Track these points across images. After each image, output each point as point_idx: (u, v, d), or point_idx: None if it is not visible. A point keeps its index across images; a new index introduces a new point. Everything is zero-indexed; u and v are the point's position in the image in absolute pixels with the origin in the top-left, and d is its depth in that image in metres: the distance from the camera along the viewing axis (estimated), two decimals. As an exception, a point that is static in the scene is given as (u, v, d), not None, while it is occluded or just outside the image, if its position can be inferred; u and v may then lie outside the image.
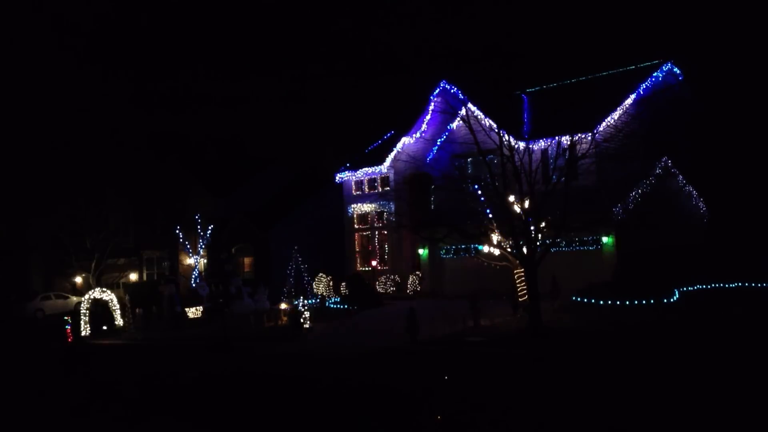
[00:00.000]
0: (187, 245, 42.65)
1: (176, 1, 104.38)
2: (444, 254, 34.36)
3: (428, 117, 35.81)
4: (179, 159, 47.56)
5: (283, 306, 30.01)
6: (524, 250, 21.95)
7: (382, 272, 37.54)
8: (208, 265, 43.70)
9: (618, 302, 25.11)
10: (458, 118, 30.06)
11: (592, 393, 13.51)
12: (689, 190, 31.31)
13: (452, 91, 32.84)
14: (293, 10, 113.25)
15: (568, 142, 25.41)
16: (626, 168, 28.44)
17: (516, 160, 22.65)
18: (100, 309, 32.27)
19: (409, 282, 35.12)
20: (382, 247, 38.69)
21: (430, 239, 30.94)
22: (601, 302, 25.44)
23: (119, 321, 32.01)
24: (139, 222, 47.35)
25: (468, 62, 30.63)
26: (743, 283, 28.11)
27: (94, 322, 31.27)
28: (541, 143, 29.65)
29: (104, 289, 33.51)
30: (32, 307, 41.16)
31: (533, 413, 12.38)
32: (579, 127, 26.26)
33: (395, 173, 37.72)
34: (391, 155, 37.66)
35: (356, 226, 39.90)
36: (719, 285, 28.36)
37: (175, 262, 44.87)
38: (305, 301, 33.29)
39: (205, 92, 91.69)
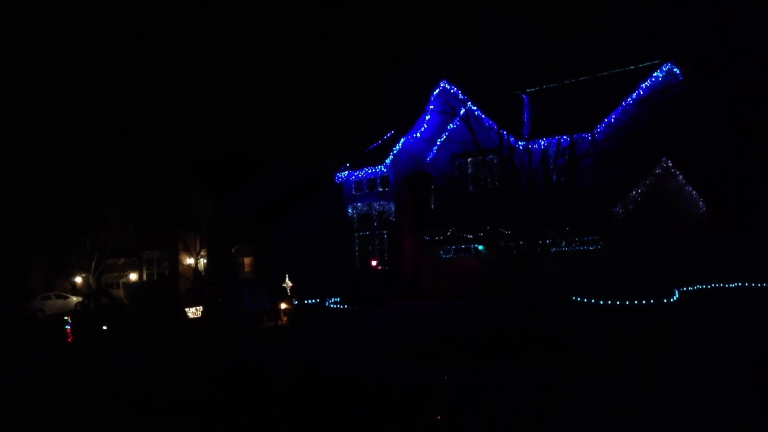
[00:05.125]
0: (187, 245, 42.62)
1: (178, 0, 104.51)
2: (444, 254, 34.38)
3: (428, 117, 35.82)
4: (179, 159, 47.56)
5: (283, 306, 30.03)
6: (524, 249, 21.98)
7: (381, 272, 37.53)
8: (208, 265, 43.71)
9: (618, 302, 25.14)
10: (458, 118, 30.08)
11: (591, 391, 13.52)
12: (689, 190, 31.34)
13: (452, 91, 32.87)
14: (293, 9, 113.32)
15: (568, 142, 25.43)
16: (626, 168, 28.48)
17: (516, 160, 22.68)
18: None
19: (409, 282, 35.09)
20: (381, 247, 38.70)
21: (430, 239, 30.99)
22: (601, 302, 25.47)
23: None
24: (139, 222, 47.34)
25: (468, 62, 30.67)
26: (743, 283, 28.15)
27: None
28: (541, 143, 29.66)
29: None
30: (32, 307, 41.15)
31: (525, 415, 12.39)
32: (579, 127, 26.27)
33: (395, 173, 37.72)
34: (391, 155, 37.68)
35: (356, 226, 39.90)
36: (719, 285, 28.40)
37: (175, 262, 44.86)
38: (305, 301, 33.30)
39: (205, 91, 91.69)
